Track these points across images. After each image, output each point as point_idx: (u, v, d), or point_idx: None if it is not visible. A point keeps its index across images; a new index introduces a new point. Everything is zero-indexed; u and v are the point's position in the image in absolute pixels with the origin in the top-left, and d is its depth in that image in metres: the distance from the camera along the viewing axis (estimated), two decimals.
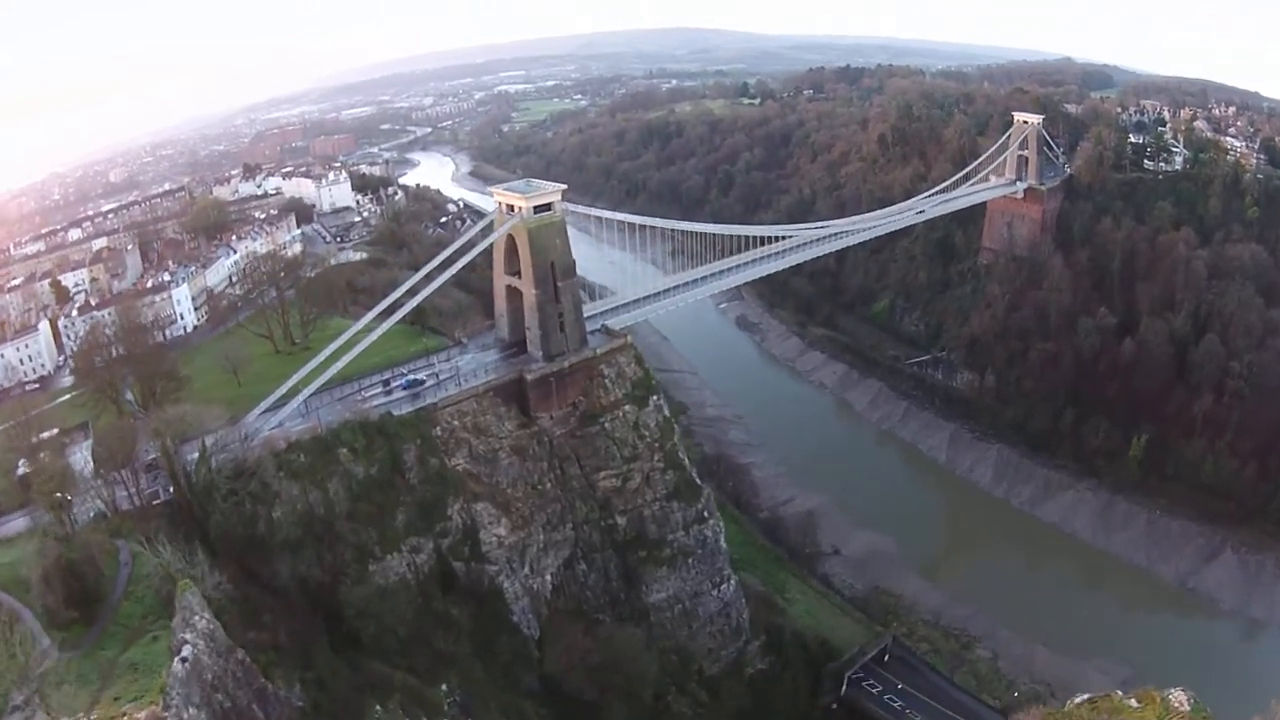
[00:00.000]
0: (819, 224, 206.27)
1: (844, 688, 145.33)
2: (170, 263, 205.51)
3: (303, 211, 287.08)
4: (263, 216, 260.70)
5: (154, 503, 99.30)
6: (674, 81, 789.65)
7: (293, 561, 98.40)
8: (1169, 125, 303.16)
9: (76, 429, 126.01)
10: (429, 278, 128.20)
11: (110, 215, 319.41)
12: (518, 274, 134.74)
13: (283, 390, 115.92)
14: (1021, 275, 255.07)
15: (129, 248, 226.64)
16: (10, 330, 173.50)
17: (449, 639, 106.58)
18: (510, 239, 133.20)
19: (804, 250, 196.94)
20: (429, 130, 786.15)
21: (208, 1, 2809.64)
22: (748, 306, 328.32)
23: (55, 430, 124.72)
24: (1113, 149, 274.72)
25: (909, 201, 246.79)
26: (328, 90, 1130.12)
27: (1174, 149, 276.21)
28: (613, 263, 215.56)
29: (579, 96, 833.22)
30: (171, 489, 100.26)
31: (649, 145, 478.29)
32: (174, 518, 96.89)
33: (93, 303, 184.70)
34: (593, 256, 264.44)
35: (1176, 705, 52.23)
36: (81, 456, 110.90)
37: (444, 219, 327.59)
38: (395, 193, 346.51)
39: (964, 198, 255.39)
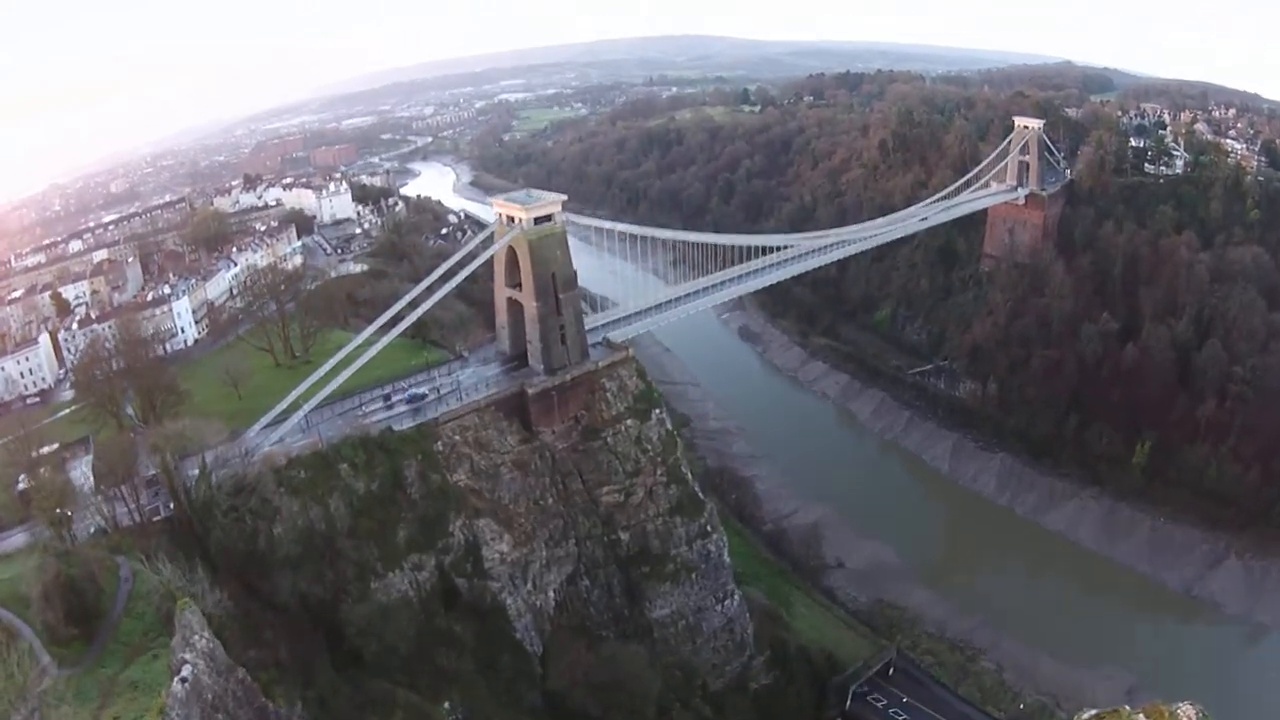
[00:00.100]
0: (820, 233, 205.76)
1: (849, 702, 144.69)
2: (171, 275, 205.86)
3: (303, 223, 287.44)
4: (263, 228, 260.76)
5: (154, 519, 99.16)
6: (674, 89, 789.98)
7: (294, 578, 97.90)
8: (1169, 128, 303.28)
9: (77, 444, 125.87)
10: (430, 290, 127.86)
11: (111, 227, 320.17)
12: (519, 286, 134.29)
13: (283, 405, 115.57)
14: (1023, 282, 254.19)
15: (129, 260, 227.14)
16: (10, 343, 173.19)
17: (451, 656, 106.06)
18: (511, 251, 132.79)
19: (806, 260, 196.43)
20: (430, 140, 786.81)
21: (208, 2, 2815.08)
22: (749, 316, 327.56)
23: (56, 445, 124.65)
24: (1114, 153, 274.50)
25: (910, 209, 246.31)
26: (328, 100, 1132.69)
27: (1175, 152, 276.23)
28: (614, 272, 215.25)
29: (579, 105, 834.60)
30: (172, 505, 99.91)
31: (649, 153, 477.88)
32: (174, 534, 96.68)
33: (93, 315, 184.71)
34: (594, 266, 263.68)
35: None
36: (82, 472, 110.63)
37: (445, 230, 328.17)
38: (396, 203, 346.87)
39: (965, 204, 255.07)
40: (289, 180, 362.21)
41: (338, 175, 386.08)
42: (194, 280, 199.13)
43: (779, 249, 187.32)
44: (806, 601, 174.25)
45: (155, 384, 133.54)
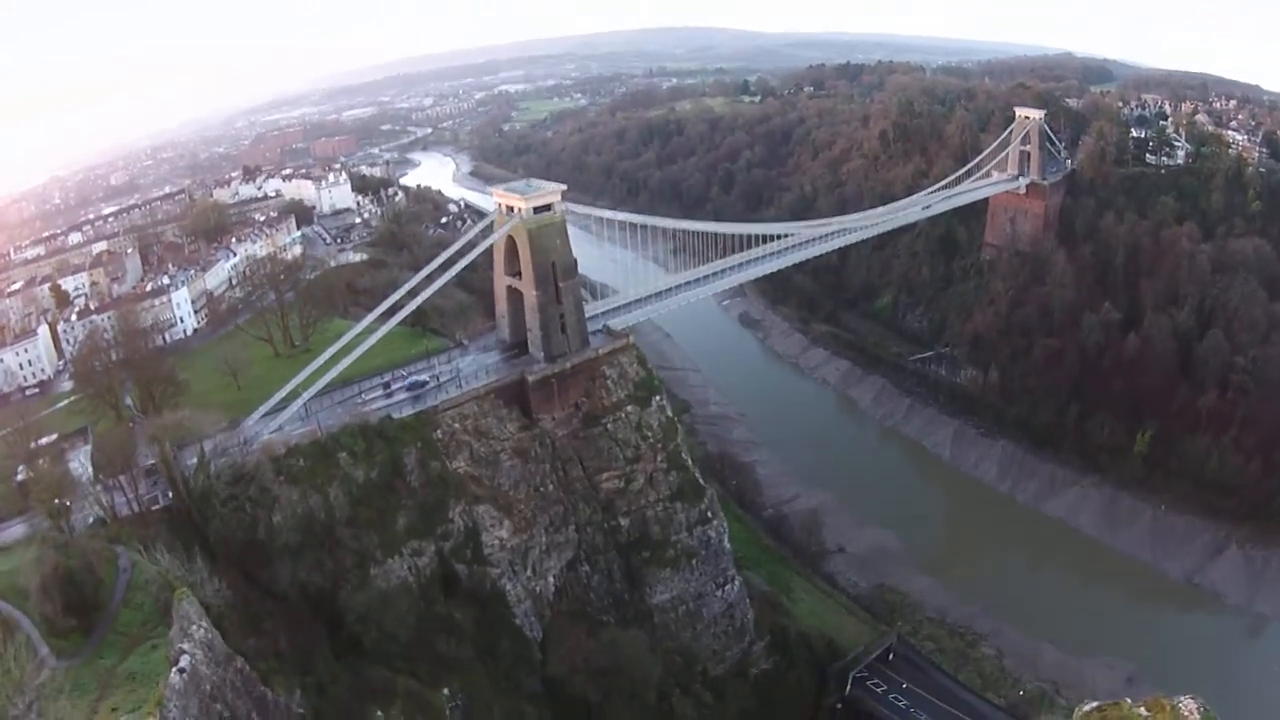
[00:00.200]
0: (821, 221, 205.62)
1: (849, 687, 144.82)
2: (170, 266, 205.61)
3: (303, 213, 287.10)
4: (263, 219, 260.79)
5: (153, 508, 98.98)
6: (674, 80, 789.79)
7: (293, 566, 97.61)
8: (1170, 119, 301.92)
9: (76, 434, 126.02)
10: (430, 279, 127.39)
11: (110, 219, 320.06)
12: (518, 275, 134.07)
13: (282, 394, 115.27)
14: (1025, 271, 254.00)
15: (129, 251, 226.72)
16: (10, 335, 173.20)
17: (451, 643, 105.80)
18: (510, 240, 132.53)
19: (807, 248, 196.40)
20: (429, 131, 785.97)
21: (208, 1, 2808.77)
22: (750, 303, 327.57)
23: (54, 436, 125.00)
24: (1114, 144, 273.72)
25: (912, 198, 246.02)
26: (328, 91, 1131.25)
27: (1176, 143, 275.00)
28: (614, 261, 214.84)
29: (579, 96, 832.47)
30: (170, 494, 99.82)
31: (649, 144, 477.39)
32: (173, 523, 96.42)
33: (92, 307, 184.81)
34: (594, 255, 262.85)
35: (1186, 714, 51.21)
36: (80, 462, 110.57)
37: (445, 219, 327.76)
38: (396, 193, 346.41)
39: (966, 194, 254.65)
40: (288, 171, 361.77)
41: (337, 166, 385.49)
42: (193, 271, 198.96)
43: (779, 237, 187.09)
44: (807, 587, 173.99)
45: (154, 374, 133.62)
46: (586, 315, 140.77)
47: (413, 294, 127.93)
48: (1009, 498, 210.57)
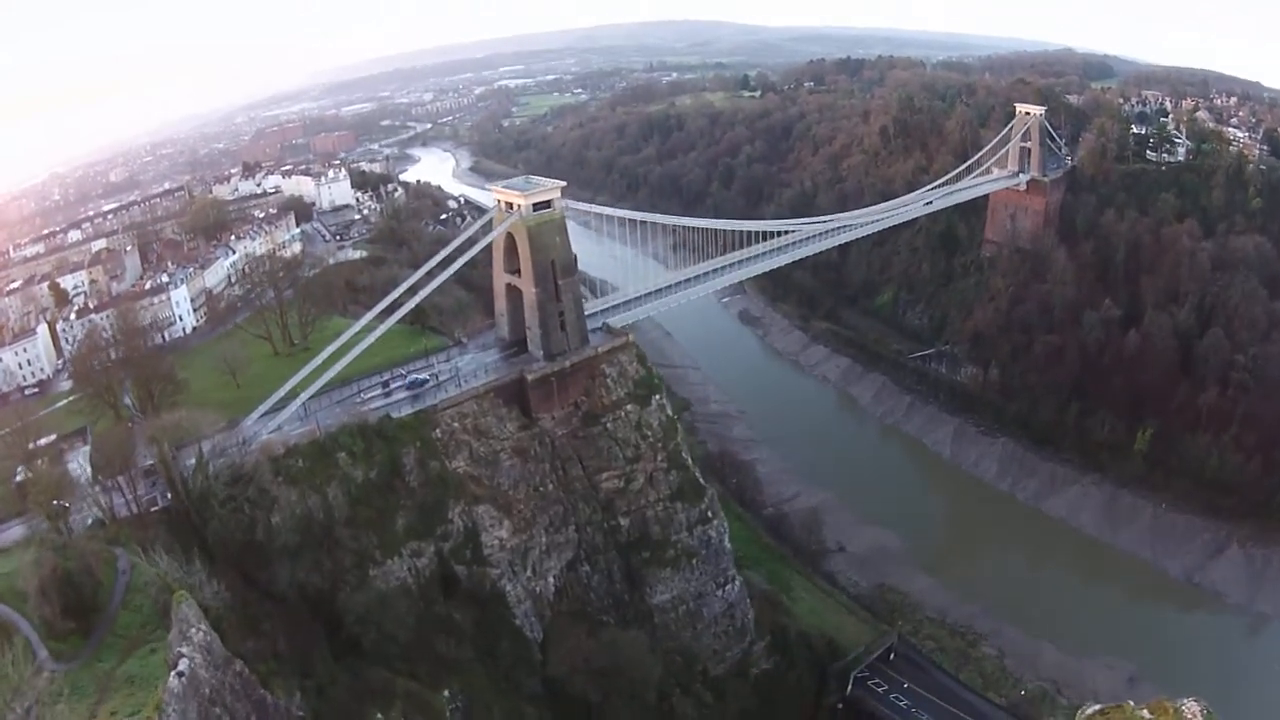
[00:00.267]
0: (822, 218, 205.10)
1: (850, 687, 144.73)
2: (169, 264, 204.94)
3: (302, 210, 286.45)
4: (262, 215, 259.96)
5: (152, 509, 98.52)
6: (674, 74, 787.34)
7: (292, 567, 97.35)
8: (1171, 116, 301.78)
9: (75, 434, 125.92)
10: (429, 276, 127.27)
11: (110, 216, 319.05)
12: (517, 272, 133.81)
13: (281, 393, 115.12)
14: (1025, 268, 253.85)
15: (128, 249, 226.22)
16: (9, 334, 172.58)
17: (451, 644, 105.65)
18: (510, 237, 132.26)
19: (807, 245, 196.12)
20: (429, 126, 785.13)
21: (208, 2, 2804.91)
22: (750, 300, 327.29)
23: (53, 436, 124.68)
24: (1115, 140, 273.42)
25: (912, 194, 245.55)
26: (328, 87, 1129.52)
27: (1177, 140, 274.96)
28: (614, 257, 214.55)
29: (579, 90, 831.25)
30: (169, 495, 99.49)
31: (649, 139, 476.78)
32: (172, 524, 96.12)
33: (91, 305, 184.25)
34: (594, 251, 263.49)
35: (1189, 717, 50.98)
36: (79, 463, 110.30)
37: (444, 215, 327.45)
38: (395, 190, 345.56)
39: (967, 190, 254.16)
40: (288, 167, 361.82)
41: (336, 162, 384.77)
42: (192, 269, 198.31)
43: (780, 234, 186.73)
44: (807, 586, 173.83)
45: (153, 374, 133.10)
46: (586, 313, 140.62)
47: (412, 292, 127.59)
48: (1009, 496, 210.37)
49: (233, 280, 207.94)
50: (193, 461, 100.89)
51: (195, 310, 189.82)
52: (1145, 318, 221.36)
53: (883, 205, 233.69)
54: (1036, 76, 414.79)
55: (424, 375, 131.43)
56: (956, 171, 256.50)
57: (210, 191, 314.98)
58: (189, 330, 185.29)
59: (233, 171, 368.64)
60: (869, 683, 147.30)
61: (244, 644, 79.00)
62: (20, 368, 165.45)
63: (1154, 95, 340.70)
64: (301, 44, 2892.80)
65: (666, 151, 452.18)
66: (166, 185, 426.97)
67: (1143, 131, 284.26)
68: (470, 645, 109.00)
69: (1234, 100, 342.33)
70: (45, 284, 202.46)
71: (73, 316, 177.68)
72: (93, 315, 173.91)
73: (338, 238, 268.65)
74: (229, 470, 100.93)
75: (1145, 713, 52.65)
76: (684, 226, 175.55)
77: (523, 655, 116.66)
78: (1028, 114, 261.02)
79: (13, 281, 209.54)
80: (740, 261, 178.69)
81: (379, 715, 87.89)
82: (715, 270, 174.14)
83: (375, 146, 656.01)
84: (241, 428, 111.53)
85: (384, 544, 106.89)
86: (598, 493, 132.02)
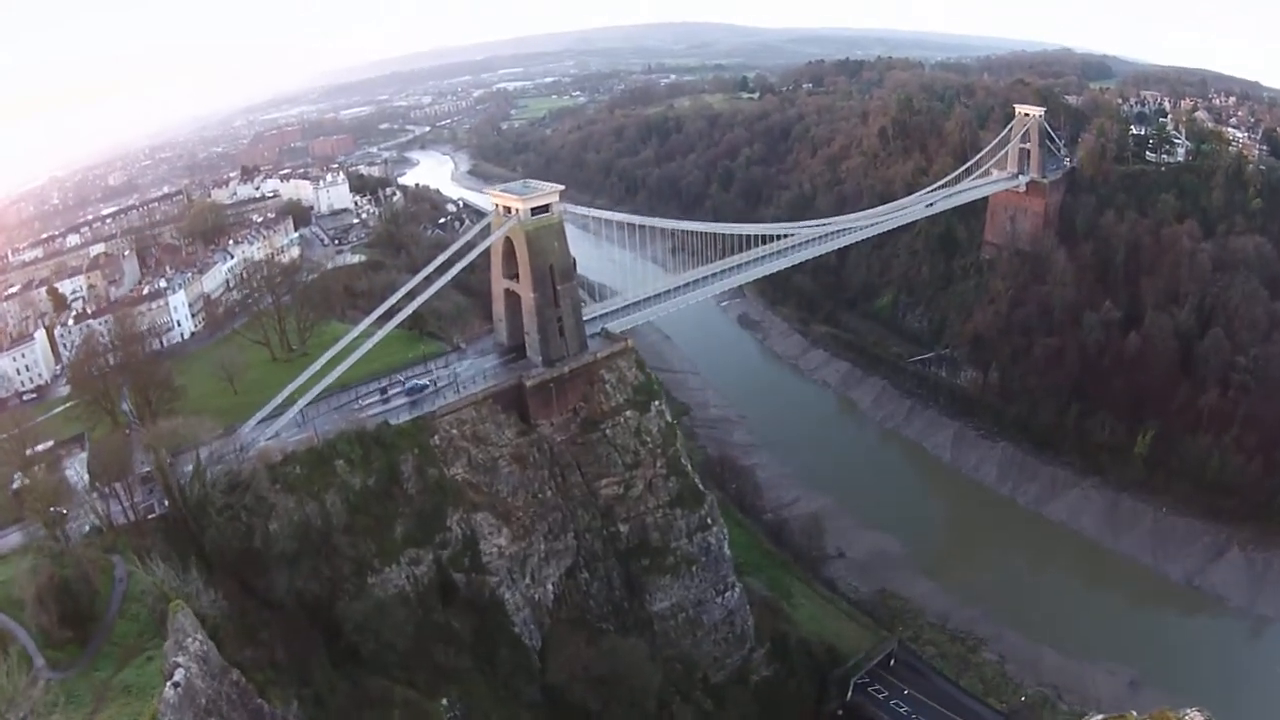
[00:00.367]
0: (821, 221, 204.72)
1: (850, 693, 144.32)
2: (167, 268, 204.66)
3: (300, 214, 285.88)
4: (260, 220, 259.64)
5: (149, 516, 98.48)
6: (672, 76, 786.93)
7: (289, 575, 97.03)
8: (1170, 116, 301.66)
9: (72, 441, 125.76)
10: (427, 281, 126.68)
11: (108, 220, 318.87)
12: (516, 277, 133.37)
13: (279, 399, 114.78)
14: (1025, 270, 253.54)
15: (126, 253, 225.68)
16: (7, 339, 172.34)
17: (449, 652, 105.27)
18: (508, 241, 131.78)
19: (807, 248, 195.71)
20: (428, 129, 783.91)
21: (208, 2, 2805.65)
22: (749, 304, 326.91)
23: (51, 442, 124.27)
24: (1114, 141, 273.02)
25: (912, 196, 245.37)
26: (326, 90, 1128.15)
27: (1176, 140, 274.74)
28: (613, 261, 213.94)
29: (577, 93, 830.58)
30: (166, 502, 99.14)
31: (648, 141, 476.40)
32: (169, 532, 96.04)
33: (89, 310, 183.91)
34: (593, 254, 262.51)
35: None
36: (76, 469, 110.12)
37: (443, 219, 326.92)
38: (394, 193, 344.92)
39: (966, 192, 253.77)
40: (286, 171, 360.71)
41: (335, 165, 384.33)
42: (190, 273, 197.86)
43: (779, 237, 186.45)
44: (807, 592, 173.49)
45: (150, 380, 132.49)
46: (585, 318, 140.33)
47: (410, 296, 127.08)
48: (1010, 500, 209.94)
49: (231, 285, 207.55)
50: (190, 468, 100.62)
51: (193, 315, 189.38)
52: (1145, 319, 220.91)
53: (882, 208, 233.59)
54: (1035, 77, 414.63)
55: (422, 381, 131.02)
56: (956, 173, 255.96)
57: (208, 195, 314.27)
58: (187, 336, 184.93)
59: (231, 175, 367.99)
60: (869, 689, 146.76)
61: (241, 653, 78.82)
62: (18, 373, 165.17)
63: (1153, 95, 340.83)
64: (301, 44, 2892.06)
65: (665, 154, 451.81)
66: (165, 189, 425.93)
67: (1142, 132, 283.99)
68: (469, 653, 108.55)
69: (1233, 100, 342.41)
70: (43, 289, 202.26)
71: (71, 322, 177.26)
72: (90, 320, 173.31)
73: (336, 242, 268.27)
74: (226, 477, 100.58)
75: None
76: (683, 230, 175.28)
77: (522, 663, 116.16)
78: (1027, 115, 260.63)
79: (11, 286, 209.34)
80: (739, 265, 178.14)
81: None
82: (714, 274, 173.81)
83: (374, 150, 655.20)
84: (239, 435, 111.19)
85: (382, 552, 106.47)
86: (597, 499, 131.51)
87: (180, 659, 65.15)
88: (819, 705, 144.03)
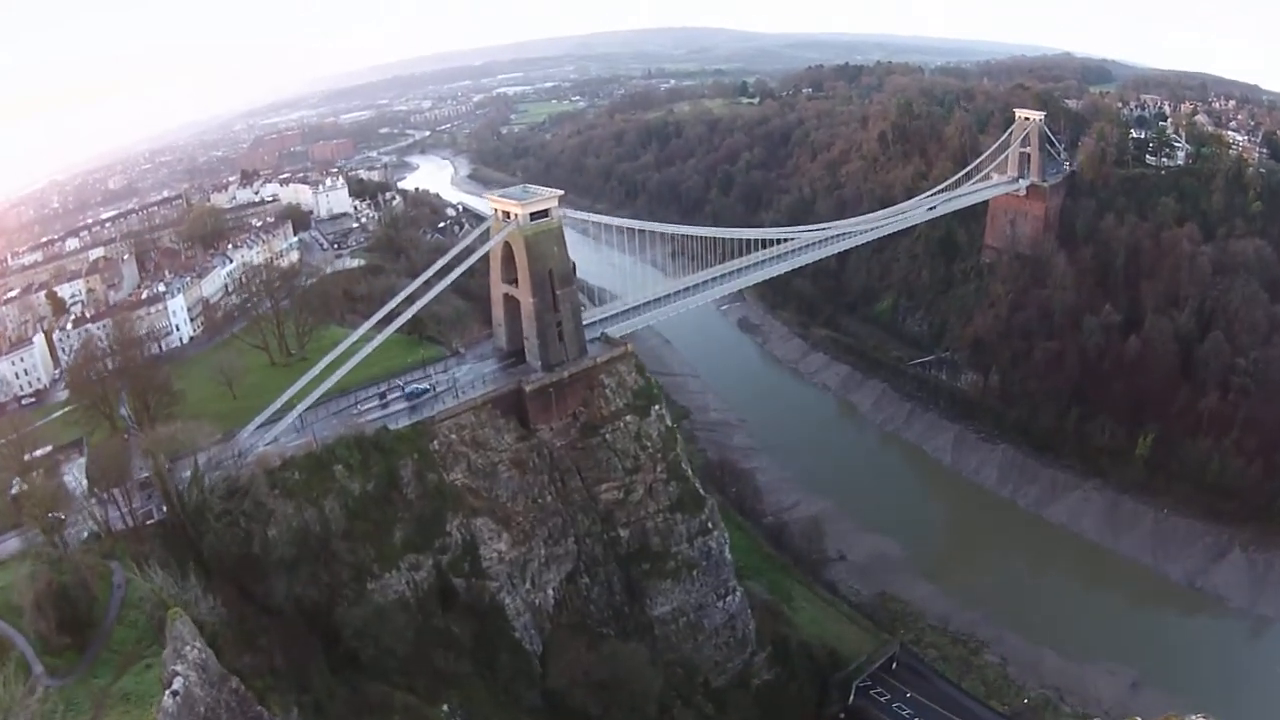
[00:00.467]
0: (821, 225, 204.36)
1: (852, 697, 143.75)
2: (166, 273, 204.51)
3: (300, 218, 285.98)
4: (259, 224, 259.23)
5: (148, 522, 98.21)
6: (672, 81, 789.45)
7: (288, 581, 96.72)
8: (1170, 120, 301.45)
9: (71, 446, 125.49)
10: (426, 285, 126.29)
11: (108, 224, 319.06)
12: (515, 282, 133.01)
13: (278, 404, 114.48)
14: (1025, 274, 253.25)
15: (125, 257, 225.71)
16: (6, 344, 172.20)
17: (449, 657, 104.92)
18: (507, 246, 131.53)
19: (807, 252, 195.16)
20: (428, 133, 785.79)
21: (208, 1, 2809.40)
22: (749, 308, 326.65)
23: (49, 447, 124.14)
24: (1114, 145, 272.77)
25: (912, 200, 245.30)
26: (326, 94, 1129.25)
27: (1176, 144, 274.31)
28: (613, 265, 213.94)
29: (577, 98, 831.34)
30: (165, 508, 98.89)
31: (648, 146, 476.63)
32: (168, 538, 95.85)
33: (88, 314, 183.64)
34: (592, 259, 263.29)
35: None
36: (75, 475, 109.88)
37: (442, 224, 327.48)
38: (393, 198, 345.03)
39: (966, 196, 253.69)
40: (286, 175, 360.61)
41: (335, 170, 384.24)
42: (189, 278, 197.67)
43: (779, 242, 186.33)
44: (808, 596, 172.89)
45: (149, 384, 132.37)
46: (584, 322, 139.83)
47: (409, 301, 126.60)
48: (1010, 503, 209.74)
49: (230, 289, 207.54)
50: (188, 474, 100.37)
51: (192, 320, 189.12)
52: (1145, 322, 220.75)
53: (882, 212, 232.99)
54: (1035, 81, 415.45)
55: (422, 386, 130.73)
56: (956, 178, 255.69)
57: (208, 200, 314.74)
58: (185, 340, 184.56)
59: (231, 179, 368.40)
60: (871, 692, 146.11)
61: (240, 659, 78.56)
62: (17, 377, 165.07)
63: (1153, 99, 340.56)
64: (302, 44, 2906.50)
65: (665, 159, 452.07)
66: (165, 193, 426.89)
67: (1142, 136, 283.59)
68: (469, 659, 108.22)
69: (1232, 103, 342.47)
70: (43, 292, 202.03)
71: (69, 326, 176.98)
72: (89, 325, 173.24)
73: (335, 246, 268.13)
74: (225, 483, 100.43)
75: None
76: (683, 235, 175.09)
77: (522, 668, 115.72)
78: (1027, 119, 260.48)
79: (10, 290, 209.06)
80: (739, 270, 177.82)
81: None
82: (714, 279, 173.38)
83: (374, 154, 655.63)
84: (237, 440, 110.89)
85: (382, 557, 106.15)
86: (597, 504, 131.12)
87: (179, 667, 64.93)
88: (821, 709, 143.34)
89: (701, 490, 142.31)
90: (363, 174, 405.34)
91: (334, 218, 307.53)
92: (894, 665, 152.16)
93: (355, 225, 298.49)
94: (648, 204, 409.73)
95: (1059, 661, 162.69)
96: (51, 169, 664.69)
